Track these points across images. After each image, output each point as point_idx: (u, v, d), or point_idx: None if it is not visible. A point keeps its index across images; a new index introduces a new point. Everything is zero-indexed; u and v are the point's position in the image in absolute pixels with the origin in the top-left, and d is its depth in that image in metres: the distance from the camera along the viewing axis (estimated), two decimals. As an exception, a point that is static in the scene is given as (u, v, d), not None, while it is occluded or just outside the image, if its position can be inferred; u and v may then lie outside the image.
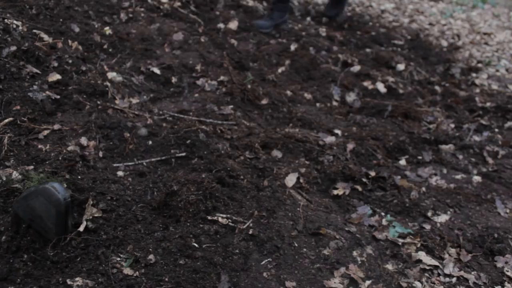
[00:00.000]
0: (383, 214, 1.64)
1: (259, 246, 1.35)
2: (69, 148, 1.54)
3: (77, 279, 1.13)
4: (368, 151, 1.97)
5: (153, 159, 1.67)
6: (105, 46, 2.29)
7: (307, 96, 2.41)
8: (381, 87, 2.62)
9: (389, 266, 1.39)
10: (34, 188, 1.16)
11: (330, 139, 1.96)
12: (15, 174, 1.33)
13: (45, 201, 1.14)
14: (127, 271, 1.19)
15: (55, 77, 1.85)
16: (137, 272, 1.18)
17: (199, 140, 1.76)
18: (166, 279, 1.18)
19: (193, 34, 2.73)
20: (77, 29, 2.33)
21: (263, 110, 2.21)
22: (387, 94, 2.60)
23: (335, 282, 1.28)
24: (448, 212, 1.69)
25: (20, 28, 2.03)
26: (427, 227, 1.59)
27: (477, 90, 2.94)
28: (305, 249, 1.38)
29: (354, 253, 1.41)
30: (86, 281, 1.13)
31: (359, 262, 1.38)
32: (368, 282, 1.30)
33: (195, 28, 2.85)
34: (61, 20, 2.30)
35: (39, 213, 1.15)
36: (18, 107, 1.65)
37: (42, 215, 1.15)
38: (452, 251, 1.49)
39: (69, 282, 1.12)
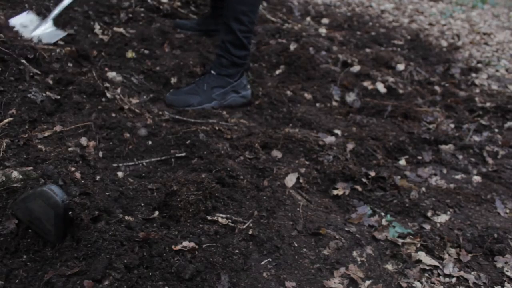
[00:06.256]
0: (383, 214, 1.64)
1: (259, 246, 1.35)
2: (69, 148, 1.54)
3: (77, 279, 1.13)
4: (368, 151, 1.97)
5: (153, 159, 1.67)
6: (105, 46, 2.29)
7: (307, 96, 2.41)
8: (381, 87, 2.62)
9: (389, 266, 1.39)
10: (32, 191, 1.16)
11: (330, 139, 1.96)
12: (15, 174, 1.33)
13: (43, 203, 1.13)
14: (127, 271, 1.18)
15: (55, 77, 1.85)
16: (137, 272, 1.18)
17: (199, 140, 1.76)
18: (166, 279, 1.18)
19: (193, 34, 2.73)
20: (77, 29, 2.33)
21: (263, 110, 2.21)
22: (387, 94, 2.60)
23: (335, 282, 1.28)
24: (448, 212, 1.69)
25: (20, 28, 2.02)
26: (427, 227, 1.59)
27: (477, 90, 2.94)
28: (305, 249, 1.38)
29: (354, 253, 1.41)
30: (86, 281, 1.13)
31: (359, 262, 1.38)
32: (368, 282, 1.30)
33: (195, 28, 2.84)
34: (60, 20, 2.30)
35: (38, 216, 1.15)
36: (18, 107, 1.64)
37: (40, 217, 1.15)
38: (452, 251, 1.49)
39: (69, 282, 1.12)
